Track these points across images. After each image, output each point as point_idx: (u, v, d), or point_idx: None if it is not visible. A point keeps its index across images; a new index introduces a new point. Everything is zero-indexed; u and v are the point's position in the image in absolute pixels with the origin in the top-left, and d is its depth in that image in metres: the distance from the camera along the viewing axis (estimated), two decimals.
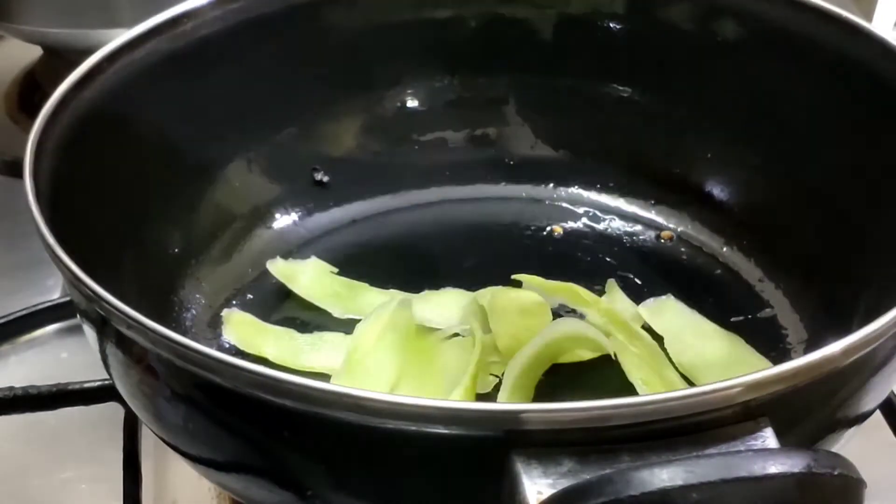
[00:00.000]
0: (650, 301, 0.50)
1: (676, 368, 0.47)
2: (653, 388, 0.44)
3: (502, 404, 0.40)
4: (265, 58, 0.53)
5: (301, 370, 0.47)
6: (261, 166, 0.55)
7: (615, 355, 0.45)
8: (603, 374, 0.45)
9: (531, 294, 0.49)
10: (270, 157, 0.55)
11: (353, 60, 0.56)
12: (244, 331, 0.49)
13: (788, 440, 0.33)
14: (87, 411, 0.49)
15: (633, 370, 0.43)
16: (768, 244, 0.53)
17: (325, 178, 0.57)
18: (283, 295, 0.52)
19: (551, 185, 0.59)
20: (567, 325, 0.44)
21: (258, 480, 0.36)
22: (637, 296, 0.51)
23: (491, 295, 0.49)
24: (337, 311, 0.51)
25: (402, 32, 0.56)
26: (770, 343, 0.49)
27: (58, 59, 0.73)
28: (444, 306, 0.51)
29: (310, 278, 0.52)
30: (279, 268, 0.52)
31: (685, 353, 0.48)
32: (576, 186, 0.58)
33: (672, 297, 0.51)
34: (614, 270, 0.53)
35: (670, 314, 0.50)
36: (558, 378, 0.46)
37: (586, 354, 0.46)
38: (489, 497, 0.31)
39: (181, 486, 0.47)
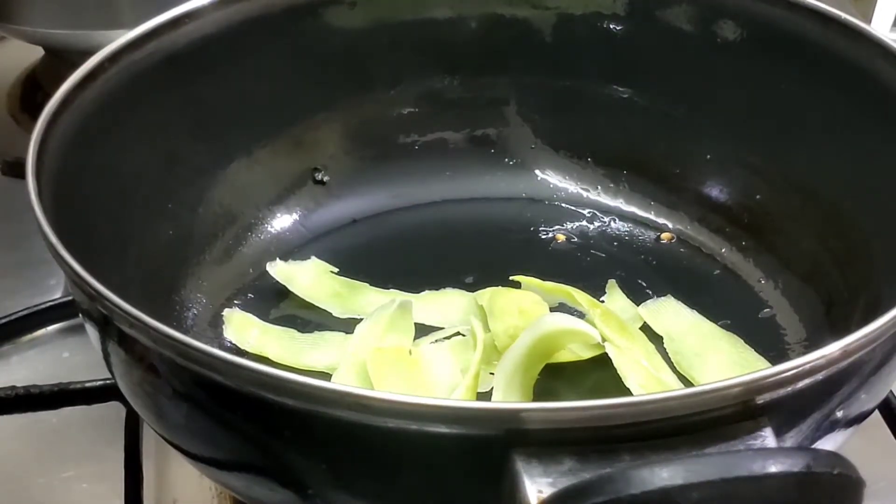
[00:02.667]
0: (650, 301, 0.51)
1: (675, 370, 0.47)
2: (649, 392, 0.44)
3: (503, 403, 0.40)
4: (265, 58, 0.54)
5: (302, 369, 0.47)
6: (261, 166, 0.55)
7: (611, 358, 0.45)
8: (603, 374, 0.45)
9: (530, 294, 0.49)
10: (271, 156, 0.55)
11: (354, 60, 0.56)
12: (245, 330, 0.49)
13: (788, 440, 0.33)
14: (88, 411, 0.49)
15: (630, 374, 0.43)
16: (768, 244, 0.53)
17: (326, 178, 0.57)
18: (284, 294, 0.52)
19: (551, 185, 0.59)
20: (556, 319, 0.43)
21: (259, 479, 0.36)
22: (637, 296, 0.51)
23: (490, 295, 0.50)
24: (337, 311, 0.51)
25: (403, 32, 0.56)
26: (769, 343, 0.49)
27: (59, 59, 0.73)
28: (444, 306, 0.51)
29: (310, 279, 0.52)
30: (279, 270, 0.52)
31: (684, 353, 0.48)
32: (576, 186, 0.58)
33: (672, 298, 0.51)
34: (614, 271, 0.53)
35: (670, 314, 0.50)
36: (558, 378, 0.46)
37: (585, 354, 0.46)
38: (490, 496, 0.31)
39: (182, 485, 0.47)
